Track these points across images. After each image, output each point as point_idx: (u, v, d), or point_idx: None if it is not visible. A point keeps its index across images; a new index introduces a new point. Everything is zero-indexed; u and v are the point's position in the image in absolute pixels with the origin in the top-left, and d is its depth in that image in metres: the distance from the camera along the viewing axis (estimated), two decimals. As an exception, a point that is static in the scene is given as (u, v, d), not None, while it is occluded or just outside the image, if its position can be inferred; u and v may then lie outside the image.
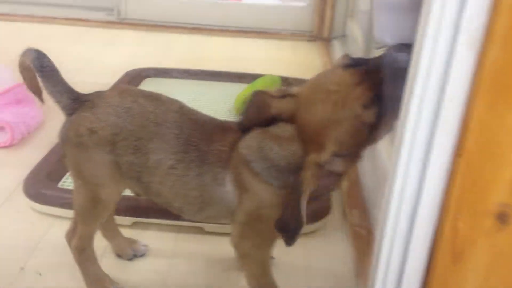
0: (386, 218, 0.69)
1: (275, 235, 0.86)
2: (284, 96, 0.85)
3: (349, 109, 0.78)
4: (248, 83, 2.05)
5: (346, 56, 0.83)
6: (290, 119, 0.85)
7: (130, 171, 0.95)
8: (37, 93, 1.02)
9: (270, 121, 0.88)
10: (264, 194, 0.89)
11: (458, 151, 0.63)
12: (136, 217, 1.30)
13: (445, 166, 0.64)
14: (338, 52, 2.58)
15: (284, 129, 0.88)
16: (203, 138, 0.94)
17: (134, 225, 1.32)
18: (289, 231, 0.83)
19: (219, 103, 1.99)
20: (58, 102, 0.98)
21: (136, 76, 2.16)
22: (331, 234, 1.36)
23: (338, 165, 0.82)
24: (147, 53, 2.74)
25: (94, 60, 2.59)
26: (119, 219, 1.27)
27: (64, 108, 0.97)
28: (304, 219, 0.81)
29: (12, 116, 1.68)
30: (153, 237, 1.29)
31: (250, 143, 0.90)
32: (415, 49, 0.61)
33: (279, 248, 0.97)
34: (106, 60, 2.60)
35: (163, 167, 0.92)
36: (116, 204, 1.06)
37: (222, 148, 0.93)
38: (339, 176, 0.86)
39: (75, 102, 0.96)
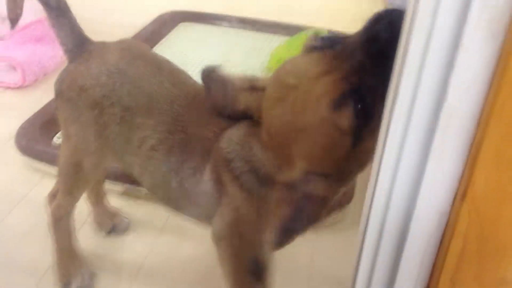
0: (358, 275, 0.50)
1: (260, 246, 0.71)
2: (249, 89, 0.65)
3: (312, 112, 0.56)
4: (291, 35, 1.83)
5: (315, 35, 0.60)
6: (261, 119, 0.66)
7: (115, 145, 0.82)
8: (12, 15, 0.89)
9: (244, 116, 0.69)
10: (243, 205, 0.72)
11: (461, 192, 0.42)
12: (128, 183, 1.18)
13: (440, 209, 0.44)
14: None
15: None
16: (193, 119, 0.77)
17: (125, 193, 1.20)
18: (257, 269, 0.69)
19: (252, 58, 1.79)
20: (62, 44, 0.86)
21: (169, 20, 2.00)
22: (350, 228, 1.17)
23: (317, 187, 0.60)
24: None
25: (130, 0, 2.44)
26: (110, 185, 1.15)
27: (67, 53, 0.86)
28: (265, 256, 0.64)
29: (26, 55, 1.58)
30: (143, 209, 1.17)
31: (232, 136, 0.72)
32: (401, 41, 0.39)
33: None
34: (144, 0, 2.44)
35: (144, 147, 0.79)
36: (100, 177, 0.94)
37: (208, 134, 0.76)
38: (321, 201, 0.62)
39: (79, 49, 0.84)
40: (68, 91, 0.83)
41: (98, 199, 1.08)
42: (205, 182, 0.75)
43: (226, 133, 0.74)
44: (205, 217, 0.81)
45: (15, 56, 1.56)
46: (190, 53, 1.81)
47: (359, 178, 0.94)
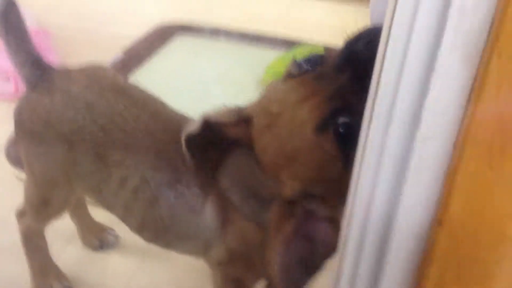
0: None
1: (259, 274, 0.73)
2: (237, 122, 0.64)
3: (299, 137, 0.56)
4: (287, 49, 1.83)
5: (293, 62, 0.59)
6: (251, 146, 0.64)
7: (89, 182, 0.78)
8: None
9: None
10: (247, 234, 0.70)
11: (438, 217, 0.41)
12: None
13: (417, 234, 0.42)
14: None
15: None
16: (179, 153, 0.74)
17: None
18: None
19: (247, 72, 1.79)
20: (19, 71, 0.80)
21: (165, 32, 1.99)
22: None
23: (318, 207, 0.59)
24: (189, 1, 2.54)
25: (128, 10, 2.44)
26: (97, 199, 1.14)
27: (26, 81, 0.80)
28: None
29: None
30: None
31: (229, 163, 0.70)
32: (376, 65, 0.39)
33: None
34: (142, 10, 2.44)
35: (126, 187, 0.75)
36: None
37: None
38: (332, 222, 0.60)
39: (40, 77, 0.79)
40: (31, 124, 0.78)
41: (80, 217, 1.06)
42: (205, 215, 0.72)
43: (222, 164, 0.71)
44: (202, 251, 0.78)
45: (8, 66, 1.56)
46: (185, 66, 1.81)
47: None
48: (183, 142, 0.66)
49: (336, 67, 0.55)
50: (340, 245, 0.49)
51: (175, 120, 0.78)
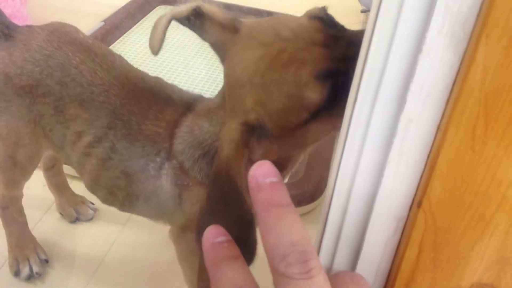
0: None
1: None
2: (227, 26, 0.62)
3: (294, 70, 0.55)
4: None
5: (323, 8, 0.59)
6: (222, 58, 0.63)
7: (52, 136, 0.77)
8: None
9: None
10: (201, 197, 0.69)
11: (418, 199, 0.41)
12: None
13: (397, 215, 0.43)
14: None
15: (217, 96, 0.67)
16: (136, 112, 0.72)
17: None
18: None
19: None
20: None
21: (147, 2, 1.95)
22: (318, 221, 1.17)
23: (260, 148, 0.58)
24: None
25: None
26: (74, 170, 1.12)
27: None
28: (253, 217, 0.55)
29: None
30: (110, 196, 1.14)
31: (181, 127, 0.69)
32: (363, 44, 0.38)
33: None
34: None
35: (81, 144, 0.74)
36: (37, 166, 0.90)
37: (158, 128, 0.72)
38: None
39: (1, 35, 0.78)
40: None
41: (58, 187, 1.05)
42: (162, 180, 0.72)
43: (177, 128, 0.70)
44: (161, 217, 0.78)
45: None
46: (168, 37, 1.77)
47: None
48: (165, 17, 0.64)
49: (351, 41, 0.55)
50: (320, 222, 0.49)
51: (135, 77, 0.76)
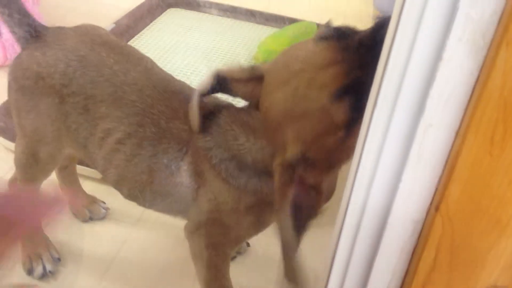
0: (329, 276, 0.50)
1: (235, 240, 0.74)
2: (249, 79, 0.65)
3: (313, 98, 0.58)
4: (280, 27, 1.82)
5: (327, 24, 0.60)
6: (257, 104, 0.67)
7: (77, 135, 0.78)
8: None
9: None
10: (220, 194, 0.71)
11: (435, 203, 0.42)
12: (107, 170, 1.16)
13: (414, 218, 0.43)
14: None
15: (254, 117, 0.69)
16: (165, 111, 0.74)
17: (103, 179, 1.18)
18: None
19: (239, 47, 1.77)
20: (12, 32, 0.81)
21: (158, 4, 1.96)
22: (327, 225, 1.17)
23: (311, 174, 0.62)
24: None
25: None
26: (86, 171, 1.13)
27: (19, 41, 0.81)
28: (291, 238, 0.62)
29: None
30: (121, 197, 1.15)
31: (213, 124, 0.71)
32: (384, 50, 0.39)
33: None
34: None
35: (110, 140, 0.75)
36: (66, 165, 0.92)
37: (184, 126, 0.74)
38: (315, 189, 0.64)
39: (32, 35, 0.80)
40: (22, 79, 0.78)
41: (71, 186, 1.06)
42: (182, 174, 0.74)
43: (205, 123, 0.73)
44: (179, 212, 0.79)
45: (-4, 34, 1.53)
46: (178, 40, 1.79)
47: (338, 179, 0.94)
48: (194, 99, 0.69)
49: (363, 43, 0.56)
50: (337, 224, 0.50)
51: (165, 79, 0.78)
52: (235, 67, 0.68)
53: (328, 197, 1.20)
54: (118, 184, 0.79)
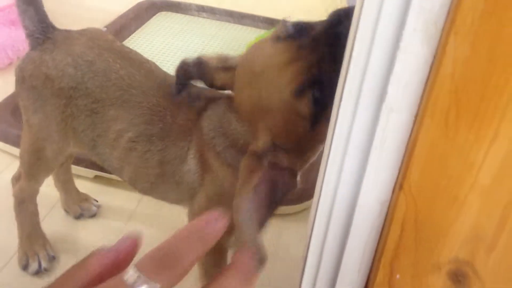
0: (308, 257, 0.53)
1: None
2: (225, 68, 0.70)
3: (276, 98, 0.62)
4: (268, 29, 1.86)
5: (283, 22, 0.64)
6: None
7: (84, 136, 0.82)
8: None
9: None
10: (226, 179, 0.76)
11: (399, 182, 0.45)
12: (98, 170, 1.19)
13: (381, 198, 0.47)
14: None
15: None
16: (169, 108, 0.80)
17: (96, 178, 1.21)
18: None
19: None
20: (25, 27, 0.85)
21: (148, 8, 2.00)
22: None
23: (281, 158, 0.68)
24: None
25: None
26: (80, 171, 1.16)
27: (30, 37, 0.85)
28: (248, 224, 0.65)
29: (0, 38, 1.57)
30: (114, 195, 1.18)
31: (211, 114, 0.76)
32: (348, 42, 0.42)
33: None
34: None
35: (122, 140, 0.80)
36: (63, 162, 0.95)
37: (188, 119, 0.79)
38: (289, 172, 0.70)
39: (42, 35, 0.83)
40: (31, 79, 0.82)
41: (65, 184, 1.09)
42: (189, 162, 0.78)
43: (205, 113, 0.77)
44: (188, 199, 0.83)
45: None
46: (168, 43, 1.82)
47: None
48: (176, 68, 0.74)
49: (317, 39, 0.59)
50: (313, 208, 0.53)
51: (167, 80, 0.84)
52: (215, 55, 0.73)
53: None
54: (132, 180, 0.84)
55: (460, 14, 0.37)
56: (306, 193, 1.20)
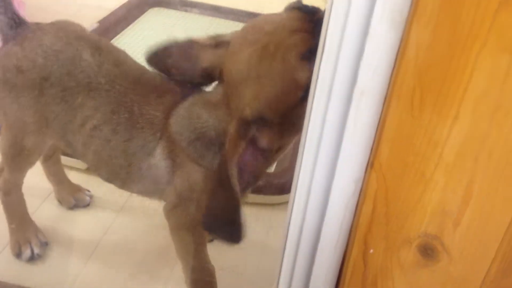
0: (288, 235, 0.56)
1: None
2: (216, 45, 0.71)
3: (281, 58, 0.64)
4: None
5: (298, 1, 0.68)
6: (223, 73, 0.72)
7: (55, 125, 0.84)
8: None
9: (206, 77, 0.76)
10: (191, 175, 0.77)
11: (370, 161, 0.48)
12: (91, 161, 1.21)
13: (355, 177, 0.50)
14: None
15: (216, 92, 0.75)
16: (137, 99, 0.81)
17: (88, 170, 1.23)
18: (223, 227, 0.71)
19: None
20: None
21: (140, 4, 2.02)
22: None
23: (264, 136, 0.68)
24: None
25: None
26: (72, 162, 1.19)
27: (2, 34, 0.86)
28: (239, 201, 0.67)
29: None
30: (106, 186, 1.21)
31: (179, 110, 0.77)
32: (322, 30, 0.46)
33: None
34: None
35: (88, 126, 0.81)
36: (50, 155, 0.97)
37: (156, 112, 0.80)
38: (264, 155, 0.71)
39: (13, 31, 0.85)
40: (3, 72, 0.83)
41: (56, 176, 1.11)
42: (156, 157, 0.79)
43: (175, 108, 0.79)
44: (155, 193, 0.85)
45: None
46: (160, 38, 1.84)
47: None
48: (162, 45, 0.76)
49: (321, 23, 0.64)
50: (292, 189, 0.56)
51: (137, 70, 0.85)
52: (205, 36, 0.75)
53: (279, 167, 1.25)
54: (97, 168, 0.85)
55: (421, 3, 0.40)
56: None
